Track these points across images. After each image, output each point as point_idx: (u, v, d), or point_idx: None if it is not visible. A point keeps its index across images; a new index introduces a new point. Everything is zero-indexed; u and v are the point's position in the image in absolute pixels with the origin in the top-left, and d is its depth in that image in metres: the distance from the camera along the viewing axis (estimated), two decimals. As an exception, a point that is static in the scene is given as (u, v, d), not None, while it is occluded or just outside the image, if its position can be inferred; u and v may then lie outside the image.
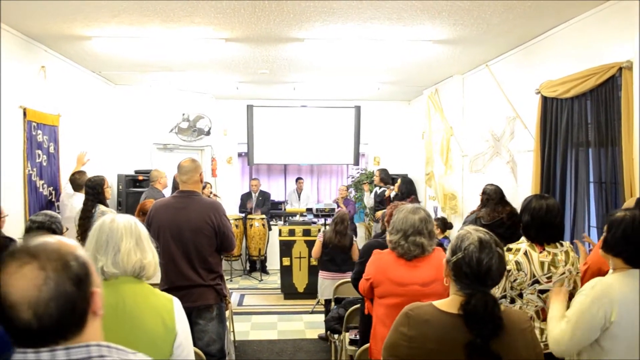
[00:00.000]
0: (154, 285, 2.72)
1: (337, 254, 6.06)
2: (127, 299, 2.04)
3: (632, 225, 2.30)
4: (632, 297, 2.25)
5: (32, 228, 3.24)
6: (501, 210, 4.83)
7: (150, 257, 2.16)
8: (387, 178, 8.72)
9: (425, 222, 3.08)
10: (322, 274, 6.19)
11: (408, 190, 8.01)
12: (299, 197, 10.13)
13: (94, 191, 5.09)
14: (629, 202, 3.42)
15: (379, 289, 3.09)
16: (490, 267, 1.90)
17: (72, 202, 5.63)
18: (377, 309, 3.15)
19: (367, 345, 3.29)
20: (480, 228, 2.04)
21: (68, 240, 1.29)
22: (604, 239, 2.41)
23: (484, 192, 5.09)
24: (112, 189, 8.25)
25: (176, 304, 2.14)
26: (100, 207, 5.06)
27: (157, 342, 2.00)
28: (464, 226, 4.71)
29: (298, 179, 10.38)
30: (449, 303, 1.97)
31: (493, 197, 4.95)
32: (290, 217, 8.63)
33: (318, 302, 7.28)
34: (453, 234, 7.84)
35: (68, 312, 1.18)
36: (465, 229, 2.03)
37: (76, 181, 5.74)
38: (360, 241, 5.90)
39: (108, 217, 2.16)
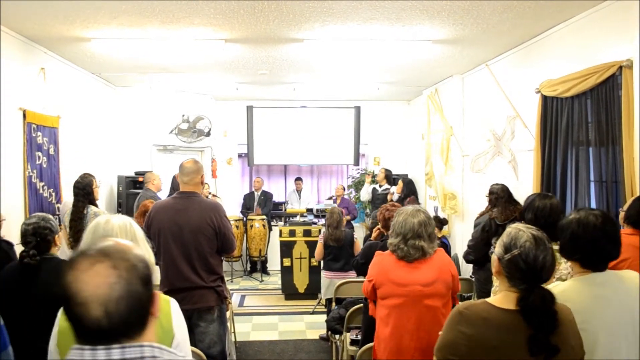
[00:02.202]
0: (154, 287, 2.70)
1: (337, 251, 6.07)
2: None
3: (577, 227, 2.25)
4: (590, 304, 2.18)
5: (28, 231, 3.22)
6: (513, 209, 4.77)
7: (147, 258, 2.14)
8: (391, 177, 8.76)
9: (424, 226, 3.09)
10: (324, 274, 6.20)
11: (409, 191, 8.00)
12: (299, 196, 10.12)
13: (84, 191, 5.05)
14: (628, 202, 3.42)
15: (381, 290, 3.11)
16: (545, 263, 1.94)
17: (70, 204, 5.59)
18: (379, 310, 3.16)
19: (369, 345, 3.29)
20: (530, 225, 2.06)
21: (128, 242, 1.32)
22: (560, 244, 2.38)
23: (491, 192, 5.01)
24: (113, 190, 8.30)
25: (173, 305, 2.12)
26: (92, 208, 5.01)
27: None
28: (478, 228, 4.67)
29: (297, 179, 10.36)
30: (503, 299, 1.99)
31: (502, 196, 4.89)
32: (290, 218, 8.62)
33: (319, 302, 7.28)
34: (451, 229, 7.84)
35: (136, 311, 1.20)
36: (515, 227, 2.05)
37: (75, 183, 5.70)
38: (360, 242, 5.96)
39: (103, 218, 2.14)
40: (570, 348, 1.91)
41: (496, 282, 2.94)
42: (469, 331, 1.94)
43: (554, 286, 2.30)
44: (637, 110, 3.97)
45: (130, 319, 1.19)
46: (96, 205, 5.18)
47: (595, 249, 2.23)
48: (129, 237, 2.11)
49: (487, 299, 2.03)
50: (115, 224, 2.11)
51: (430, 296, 3.01)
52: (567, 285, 2.29)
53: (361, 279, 4.55)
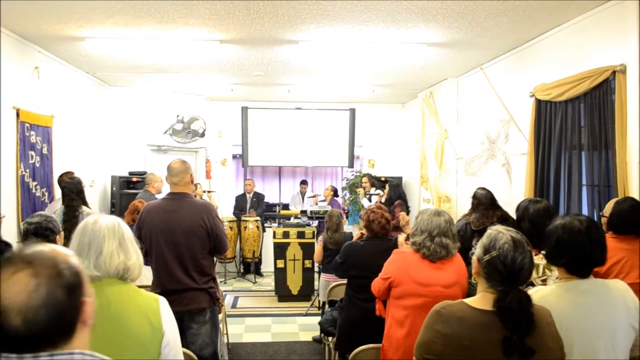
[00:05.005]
0: (145, 287, 2.69)
1: (335, 254, 6.03)
2: (112, 301, 2.02)
3: (562, 232, 2.25)
4: (570, 311, 2.18)
5: (30, 230, 3.20)
6: (491, 215, 4.75)
7: (135, 258, 2.14)
8: (375, 182, 8.74)
9: (449, 224, 3.13)
10: (324, 276, 6.18)
11: (396, 195, 7.98)
12: (303, 199, 10.10)
13: (77, 190, 5.01)
14: (608, 206, 3.42)
15: (399, 289, 3.10)
16: (523, 265, 1.95)
17: (60, 203, 5.54)
18: (394, 310, 3.15)
19: (361, 347, 3.28)
20: (511, 228, 2.07)
21: (62, 249, 1.30)
22: (546, 250, 2.38)
23: (474, 197, 4.97)
24: (106, 190, 8.27)
25: (162, 303, 2.11)
26: (85, 210, 4.95)
27: (144, 342, 1.99)
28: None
29: (302, 182, 10.36)
30: (480, 300, 2.01)
31: (483, 202, 4.83)
32: (284, 219, 8.61)
33: (312, 303, 7.27)
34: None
35: (57, 320, 1.19)
36: (496, 229, 2.07)
37: (62, 183, 5.66)
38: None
39: (91, 218, 2.13)
40: (547, 350, 1.92)
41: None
42: (444, 330, 1.97)
43: (535, 291, 2.31)
44: (630, 114, 3.98)
45: (51, 328, 1.18)
46: (88, 206, 5.13)
47: (581, 254, 2.23)
48: (117, 237, 2.10)
49: (465, 300, 2.05)
50: (103, 224, 2.11)
51: (449, 297, 3.00)
52: (548, 290, 2.29)
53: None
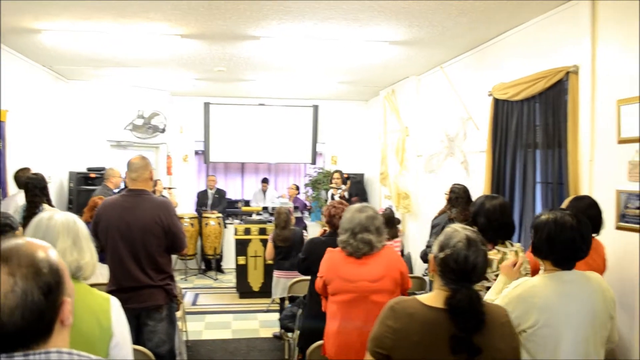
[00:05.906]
0: (101, 285, 2.66)
1: (287, 251, 6.06)
2: None
3: (555, 227, 2.31)
4: (556, 300, 2.26)
5: None
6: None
7: (89, 257, 2.11)
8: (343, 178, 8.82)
9: (372, 219, 3.16)
10: (276, 273, 6.18)
11: (355, 192, 8.06)
12: (265, 197, 10.07)
13: (40, 185, 4.90)
14: (566, 202, 3.52)
15: (330, 287, 3.16)
16: (476, 264, 1.98)
17: (16, 200, 5.41)
18: (330, 305, 3.21)
19: (318, 343, 3.31)
20: (468, 227, 2.10)
21: (41, 243, 1.24)
22: (532, 242, 2.44)
23: (452, 191, 5.03)
24: (63, 186, 8.09)
25: (113, 304, 2.09)
26: (46, 207, 4.84)
27: (92, 341, 1.96)
28: (437, 228, 4.69)
29: (263, 180, 10.31)
30: (434, 297, 2.04)
31: (462, 197, 4.91)
32: (246, 216, 8.59)
33: (273, 301, 7.27)
34: (405, 228, 7.94)
35: (34, 321, 1.14)
36: (453, 227, 2.09)
37: (20, 179, 5.52)
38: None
39: (46, 214, 2.09)
40: (496, 350, 1.95)
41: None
42: (395, 325, 2.00)
43: (523, 281, 2.39)
44: (582, 114, 4.10)
45: (27, 329, 1.14)
46: (51, 204, 5.01)
47: (572, 250, 2.31)
48: (71, 235, 2.07)
49: (419, 296, 2.08)
50: (58, 220, 2.07)
51: (378, 292, 3.06)
52: (536, 281, 2.36)
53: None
